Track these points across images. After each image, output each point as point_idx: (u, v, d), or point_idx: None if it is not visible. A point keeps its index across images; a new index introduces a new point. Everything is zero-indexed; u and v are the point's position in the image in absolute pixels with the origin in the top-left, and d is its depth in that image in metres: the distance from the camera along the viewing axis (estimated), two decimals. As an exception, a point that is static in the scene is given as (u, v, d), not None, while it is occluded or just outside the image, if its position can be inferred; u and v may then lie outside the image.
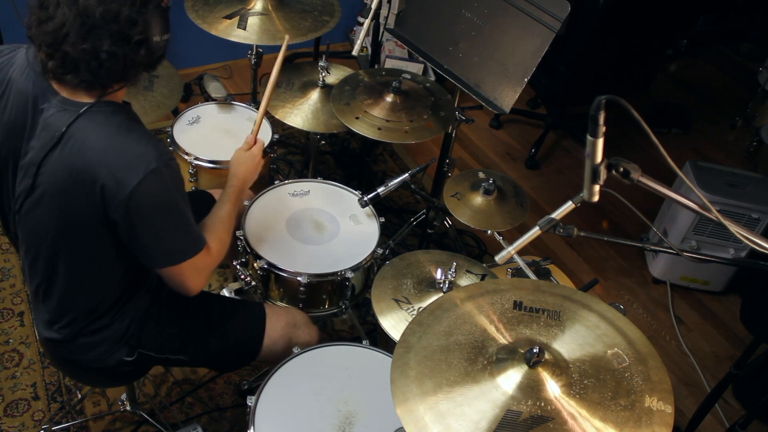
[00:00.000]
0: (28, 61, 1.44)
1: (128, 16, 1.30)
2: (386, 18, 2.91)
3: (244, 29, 2.42)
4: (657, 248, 1.52)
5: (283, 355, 1.78)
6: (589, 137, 1.17)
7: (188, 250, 1.50)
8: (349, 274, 1.92)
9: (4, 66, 1.48)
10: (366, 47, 3.77)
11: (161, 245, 1.47)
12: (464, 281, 1.93)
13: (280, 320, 1.82)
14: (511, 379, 1.19)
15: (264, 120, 2.47)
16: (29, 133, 1.42)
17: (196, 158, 2.25)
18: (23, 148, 1.43)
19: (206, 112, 2.48)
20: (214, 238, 1.61)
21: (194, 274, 1.55)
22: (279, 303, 1.98)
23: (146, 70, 1.45)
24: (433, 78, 3.48)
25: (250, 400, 1.56)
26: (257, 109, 2.53)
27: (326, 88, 2.50)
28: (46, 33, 1.31)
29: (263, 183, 2.41)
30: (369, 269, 2.05)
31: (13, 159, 1.46)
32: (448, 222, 2.81)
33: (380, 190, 2.08)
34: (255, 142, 1.90)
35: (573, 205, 1.40)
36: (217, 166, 2.27)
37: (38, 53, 1.35)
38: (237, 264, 2.04)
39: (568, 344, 1.27)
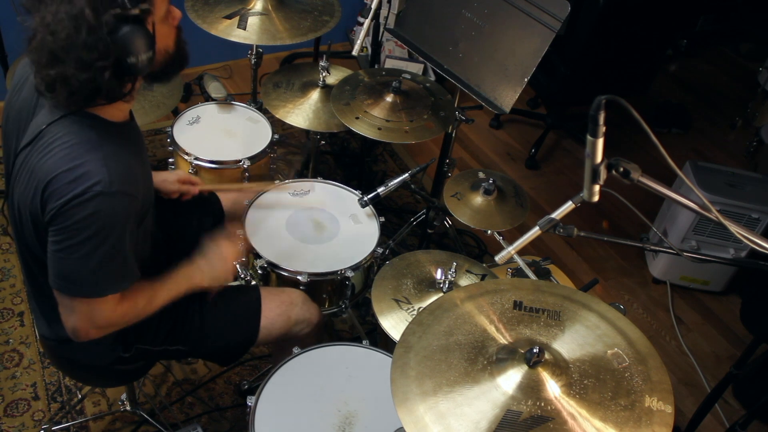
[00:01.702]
0: None
1: (85, 43, 1.26)
2: (386, 18, 2.91)
3: (244, 29, 2.42)
4: (657, 248, 1.52)
5: (285, 335, 1.79)
6: (589, 137, 1.17)
7: (87, 288, 1.39)
8: (349, 274, 1.93)
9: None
10: (366, 47, 3.77)
11: (60, 265, 1.37)
12: (464, 281, 1.93)
13: (275, 299, 1.81)
14: (511, 379, 1.19)
15: (264, 119, 2.48)
16: (29, 127, 1.43)
17: (196, 158, 2.25)
18: (22, 138, 1.44)
19: (206, 112, 2.48)
20: (133, 298, 1.48)
21: (85, 319, 1.43)
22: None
23: (157, 81, 1.45)
24: (433, 78, 3.48)
25: (250, 400, 1.56)
26: (257, 109, 2.53)
27: (326, 88, 2.50)
28: (30, 52, 1.32)
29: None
30: (369, 269, 2.05)
31: (13, 147, 1.47)
32: (448, 222, 2.81)
33: (380, 190, 2.08)
34: (234, 243, 1.76)
35: (573, 205, 1.40)
36: (217, 166, 2.27)
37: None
38: (237, 264, 2.04)
39: (568, 344, 1.27)
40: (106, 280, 1.40)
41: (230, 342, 1.80)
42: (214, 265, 1.68)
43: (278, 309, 1.80)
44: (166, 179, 1.91)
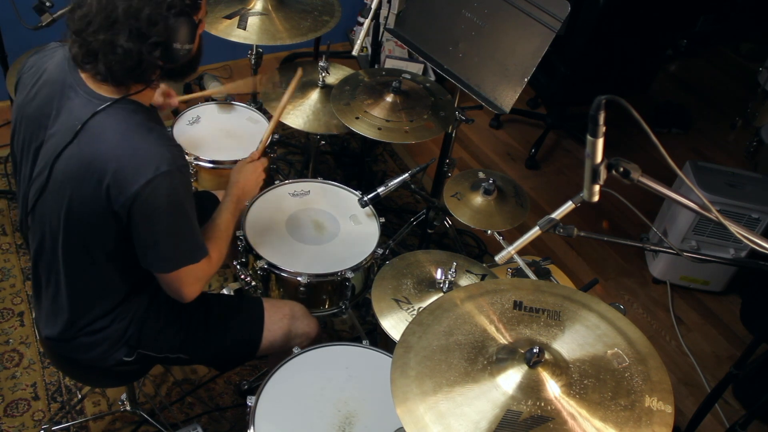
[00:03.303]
0: (65, 53, 1.48)
1: (149, 16, 1.33)
2: (386, 18, 2.91)
3: (244, 29, 2.41)
4: (657, 248, 1.52)
5: (284, 348, 1.80)
6: (589, 137, 1.17)
7: (189, 257, 1.50)
8: (349, 275, 1.93)
9: (45, 58, 1.52)
10: (366, 47, 3.77)
11: (161, 249, 1.47)
12: (464, 281, 1.93)
13: (278, 313, 1.82)
14: (511, 379, 1.19)
15: (264, 120, 2.48)
16: (52, 122, 1.45)
17: (196, 158, 2.25)
18: (43, 135, 1.46)
19: (206, 112, 2.48)
20: (214, 247, 1.61)
21: (192, 282, 1.55)
22: (279, 303, 1.98)
23: (173, 78, 1.51)
24: (433, 78, 3.48)
25: (250, 400, 1.56)
26: (258, 109, 2.53)
27: (326, 89, 2.50)
28: (74, 20, 1.36)
29: (263, 183, 2.41)
30: (369, 269, 2.05)
31: (34, 146, 1.48)
32: (448, 222, 2.81)
33: (380, 190, 2.08)
34: (259, 157, 1.93)
35: (573, 205, 1.40)
36: (217, 166, 2.27)
37: (69, 40, 1.40)
38: (237, 264, 2.04)
39: (568, 344, 1.27)
40: (199, 242, 1.52)
41: (231, 353, 1.81)
42: (252, 182, 1.86)
43: (280, 322, 1.81)
44: None
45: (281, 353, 1.80)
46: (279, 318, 1.81)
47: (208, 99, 2.57)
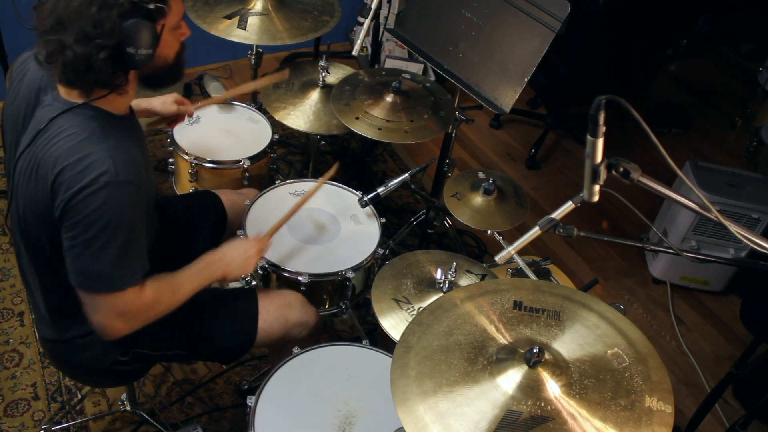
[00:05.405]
0: None
1: (93, 16, 1.28)
2: (386, 18, 2.91)
3: (244, 29, 2.42)
4: (657, 248, 1.52)
5: (282, 338, 1.79)
6: (589, 137, 1.17)
7: (105, 282, 1.38)
8: (350, 274, 1.93)
9: (29, 58, 1.50)
10: (366, 47, 3.77)
11: (78, 261, 1.37)
12: (464, 281, 1.93)
13: (272, 302, 1.80)
14: (511, 379, 1.19)
15: (264, 120, 2.48)
16: (27, 123, 1.44)
17: (196, 158, 2.25)
18: (20, 136, 1.45)
19: (206, 112, 2.48)
20: (157, 288, 1.47)
21: (110, 314, 1.42)
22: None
23: (149, 86, 1.47)
24: (433, 78, 3.48)
25: (250, 400, 1.56)
26: (258, 109, 2.53)
27: (326, 88, 2.50)
28: (36, 18, 1.34)
29: (263, 183, 2.42)
30: (369, 269, 2.05)
31: (15, 145, 1.48)
32: (448, 222, 2.81)
33: (380, 190, 2.08)
34: (263, 242, 1.78)
35: (573, 205, 1.40)
36: (217, 166, 2.27)
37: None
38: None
39: (568, 344, 1.27)
40: (124, 272, 1.39)
41: (228, 346, 1.79)
42: (237, 259, 1.68)
43: (276, 312, 1.80)
44: (165, 101, 1.92)
45: (281, 347, 1.80)
46: (274, 307, 1.79)
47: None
